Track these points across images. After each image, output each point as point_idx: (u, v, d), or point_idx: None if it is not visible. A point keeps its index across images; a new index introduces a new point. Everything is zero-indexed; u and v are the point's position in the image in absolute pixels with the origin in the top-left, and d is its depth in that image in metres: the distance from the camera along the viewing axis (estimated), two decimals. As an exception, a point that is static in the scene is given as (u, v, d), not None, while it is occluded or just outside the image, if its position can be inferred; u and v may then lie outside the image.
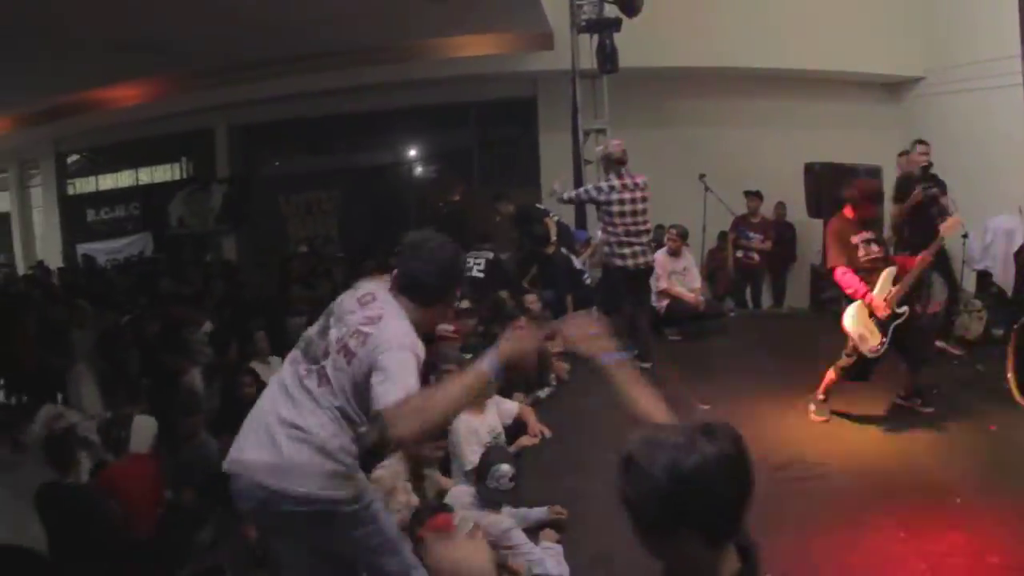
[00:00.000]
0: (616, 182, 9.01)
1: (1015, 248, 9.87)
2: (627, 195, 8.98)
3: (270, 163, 18.33)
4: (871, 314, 7.24)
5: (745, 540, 2.13)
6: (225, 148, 17.29)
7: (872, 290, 7.22)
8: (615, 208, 8.95)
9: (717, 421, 2.08)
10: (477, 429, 6.57)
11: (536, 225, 11.09)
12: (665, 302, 10.98)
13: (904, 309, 7.29)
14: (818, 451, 7.02)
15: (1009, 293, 9.86)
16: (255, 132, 17.55)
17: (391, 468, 5.63)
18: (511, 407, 7.45)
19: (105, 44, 11.61)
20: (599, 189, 9.16)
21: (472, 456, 6.13)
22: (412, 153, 17.41)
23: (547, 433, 7.40)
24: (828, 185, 12.25)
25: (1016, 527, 5.08)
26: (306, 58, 13.54)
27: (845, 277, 7.26)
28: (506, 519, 5.38)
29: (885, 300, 7.19)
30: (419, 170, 17.59)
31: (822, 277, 12.32)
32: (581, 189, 9.66)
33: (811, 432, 7.51)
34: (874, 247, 7.37)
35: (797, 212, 13.45)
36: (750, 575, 2.09)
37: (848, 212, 7.41)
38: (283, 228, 17.32)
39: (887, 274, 7.28)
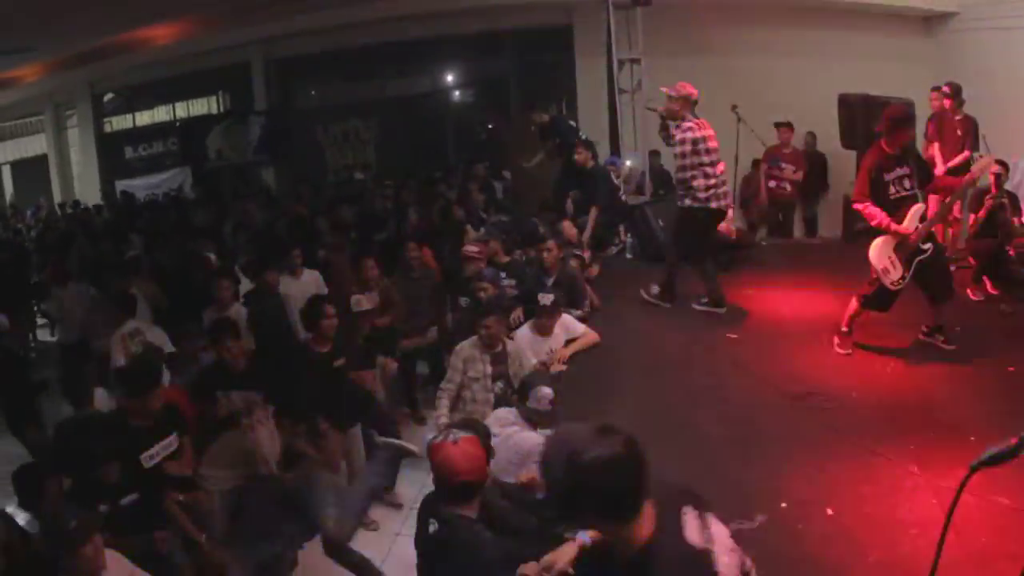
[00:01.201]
0: (693, 123, 8.70)
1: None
2: (709, 133, 8.80)
3: (307, 94, 18.44)
4: (896, 247, 7.37)
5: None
6: (262, 81, 17.41)
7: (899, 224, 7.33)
8: (702, 146, 8.66)
9: (615, 426, 2.49)
10: (539, 349, 7.13)
11: (570, 133, 11.29)
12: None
13: (928, 246, 7.43)
14: (839, 382, 7.19)
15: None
16: (291, 64, 17.63)
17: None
18: (578, 328, 7.91)
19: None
20: (690, 132, 8.68)
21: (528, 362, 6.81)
22: (448, 81, 17.40)
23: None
24: (863, 116, 12.27)
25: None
26: None
27: (869, 209, 7.37)
28: (538, 436, 5.57)
29: (910, 238, 7.31)
30: (456, 98, 17.59)
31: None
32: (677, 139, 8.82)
33: (834, 363, 7.66)
34: (906, 183, 7.41)
35: (828, 143, 13.48)
36: (662, 539, 2.44)
37: (884, 145, 7.41)
38: (321, 157, 17.41)
39: (915, 211, 7.36)
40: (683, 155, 8.63)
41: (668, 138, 8.85)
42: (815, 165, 13.71)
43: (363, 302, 8.73)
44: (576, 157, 10.96)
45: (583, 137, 11.24)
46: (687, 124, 8.59)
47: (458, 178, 14.17)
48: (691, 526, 2.52)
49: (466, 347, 6.89)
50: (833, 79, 12.85)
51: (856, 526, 5.08)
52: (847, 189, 12.75)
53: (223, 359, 6.85)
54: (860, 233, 11.49)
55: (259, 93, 17.53)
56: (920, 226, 7.35)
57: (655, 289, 9.13)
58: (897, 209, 7.37)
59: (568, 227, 10.46)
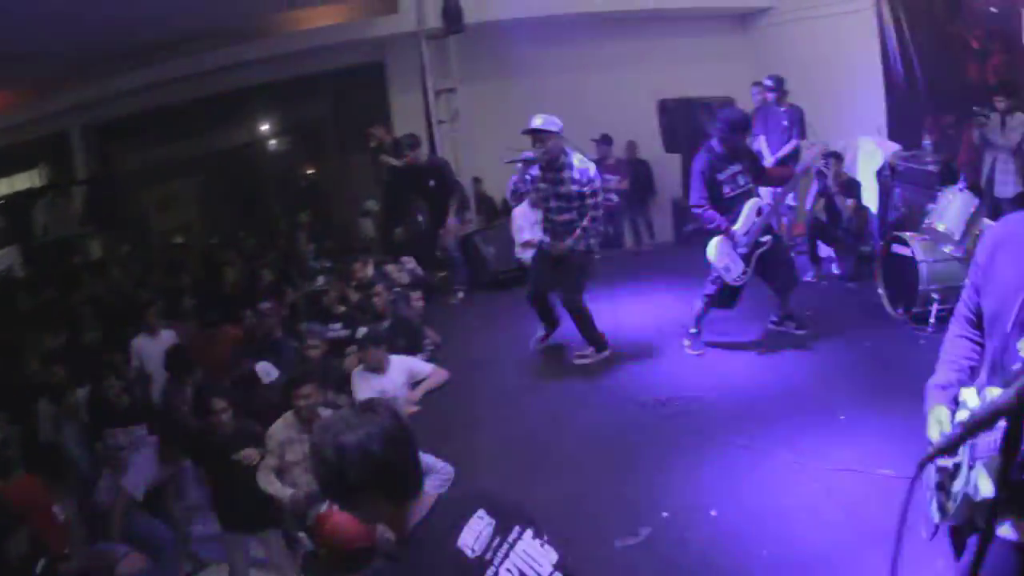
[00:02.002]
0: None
1: (878, 168, 10.03)
2: None
3: (128, 158, 17.63)
4: (733, 245, 7.30)
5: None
6: (81, 148, 16.53)
7: (735, 223, 7.27)
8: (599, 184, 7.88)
9: (376, 401, 2.37)
10: (373, 385, 6.57)
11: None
12: (530, 253, 10.75)
13: (767, 238, 7.38)
14: (696, 384, 7.06)
15: (874, 210, 9.96)
16: (110, 128, 16.76)
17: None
18: (424, 368, 7.53)
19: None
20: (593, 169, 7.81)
21: None
22: (266, 129, 16.96)
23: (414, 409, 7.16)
24: (683, 120, 12.37)
25: (903, 437, 5.03)
26: (151, 48, 12.92)
27: (706, 213, 7.29)
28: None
29: (747, 233, 7.27)
30: (275, 146, 17.16)
31: (684, 210, 12.49)
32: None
33: (688, 366, 7.54)
34: (740, 180, 7.37)
35: (650, 150, 13.47)
36: (427, 532, 2.25)
37: (716, 145, 7.36)
38: (147, 222, 16.70)
39: (751, 206, 7.32)
40: (593, 194, 7.50)
41: (557, 181, 7.53)
42: (639, 173, 13.68)
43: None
44: (408, 155, 10.53)
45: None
46: (580, 158, 7.61)
47: (283, 230, 13.62)
48: (472, 532, 2.25)
49: (280, 428, 5.88)
50: (652, 86, 12.89)
51: (743, 523, 4.88)
52: (674, 193, 12.88)
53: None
54: (692, 234, 11.62)
55: (80, 162, 16.67)
56: (756, 220, 7.30)
57: (590, 349, 8.04)
58: (733, 206, 7.32)
59: (395, 270, 10.08)
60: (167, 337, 8.55)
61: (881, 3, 10.77)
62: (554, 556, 2.34)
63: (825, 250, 9.88)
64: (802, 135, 10.14)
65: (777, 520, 4.84)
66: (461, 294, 10.79)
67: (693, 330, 7.76)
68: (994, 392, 2.56)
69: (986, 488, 2.49)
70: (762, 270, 7.44)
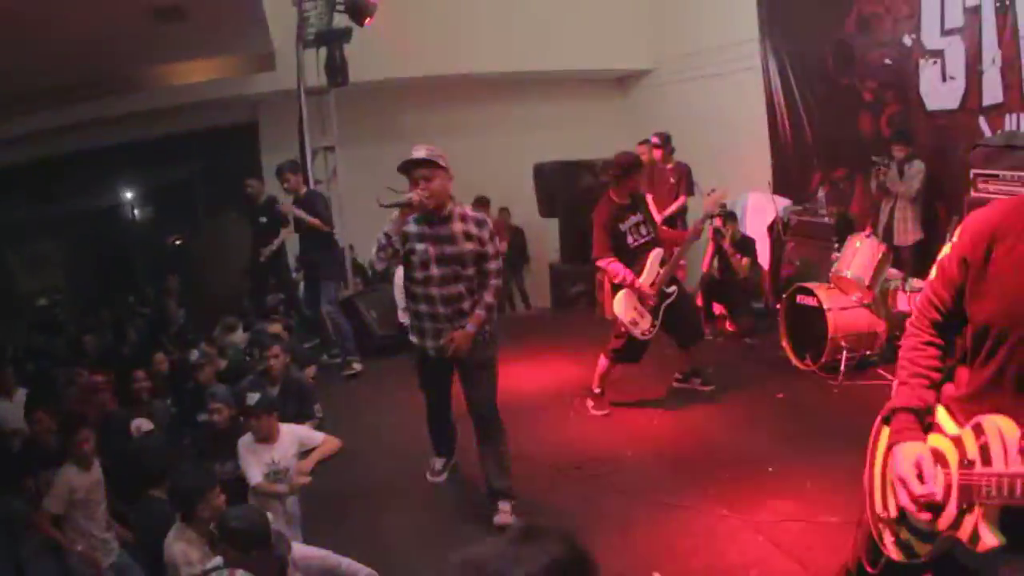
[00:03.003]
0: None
1: (768, 223, 10.09)
2: None
3: None
4: (640, 299, 7.12)
5: None
6: (-58, 204, 15.65)
7: (641, 274, 7.11)
8: None
9: (542, 523, 1.72)
10: (263, 458, 5.92)
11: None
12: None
13: (673, 289, 7.25)
14: (608, 445, 6.77)
15: (766, 267, 10.02)
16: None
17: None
18: (316, 436, 6.72)
19: None
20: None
21: (255, 477, 5.64)
22: (133, 193, 16.32)
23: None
24: (560, 183, 12.31)
25: (838, 484, 4.94)
26: (17, 99, 12.23)
27: (611, 266, 7.10)
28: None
29: (653, 284, 7.10)
30: (142, 207, 16.51)
31: (562, 275, 12.35)
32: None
33: (596, 427, 7.26)
34: (643, 230, 7.24)
35: (524, 214, 13.42)
36: None
37: (614, 195, 7.21)
38: (11, 283, 15.81)
39: (654, 256, 7.18)
40: (495, 255, 5.58)
41: (443, 237, 5.44)
42: (514, 239, 13.57)
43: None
44: (286, 185, 9.74)
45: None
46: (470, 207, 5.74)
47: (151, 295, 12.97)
48: None
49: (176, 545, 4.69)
50: (531, 149, 12.86)
51: (693, 582, 4.59)
52: (551, 257, 12.77)
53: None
54: (574, 298, 11.48)
55: None
56: (661, 271, 7.17)
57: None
58: (638, 257, 7.17)
59: (277, 330, 9.56)
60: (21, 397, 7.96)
61: (768, 60, 10.97)
62: None
63: (718, 308, 9.83)
64: (689, 192, 10.14)
65: (727, 576, 4.58)
66: (358, 365, 9.75)
67: (597, 390, 7.49)
68: (1008, 428, 2.28)
69: (990, 538, 2.28)
70: (667, 323, 7.25)
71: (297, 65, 11.51)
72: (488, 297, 5.54)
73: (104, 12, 9.46)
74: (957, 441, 2.40)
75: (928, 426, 2.53)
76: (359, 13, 10.40)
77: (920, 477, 2.42)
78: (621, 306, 7.13)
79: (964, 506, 2.32)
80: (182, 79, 12.94)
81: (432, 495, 6.29)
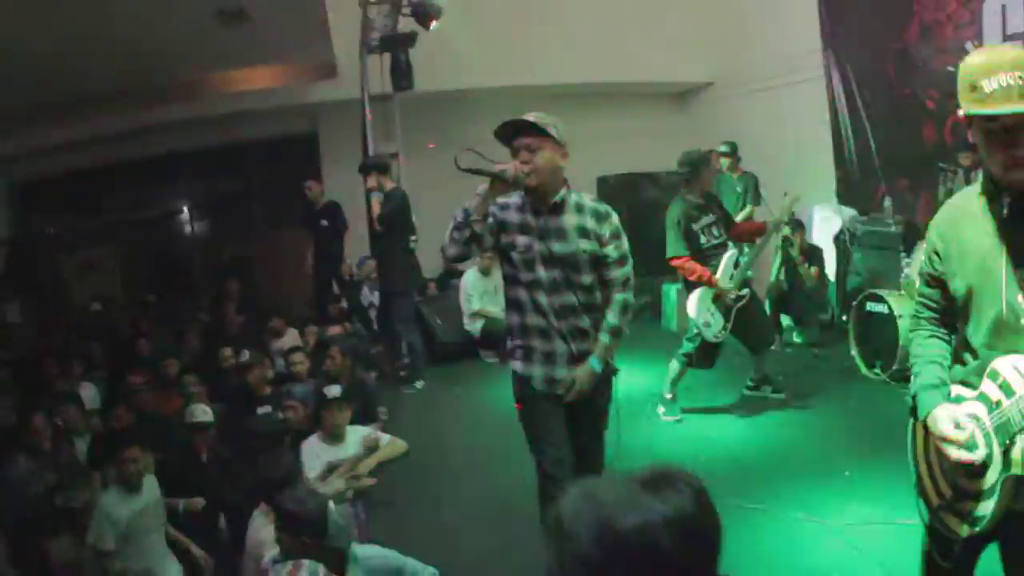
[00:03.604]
0: None
1: (834, 234, 10.04)
2: None
3: (49, 220, 16.97)
4: (715, 299, 7.09)
5: None
6: (3, 207, 15.86)
7: (715, 274, 7.06)
8: None
9: (675, 468, 1.62)
10: (326, 458, 5.93)
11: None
12: (479, 323, 10.44)
13: (746, 291, 7.21)
14: (682, 450, 6.73)
15: (832, 277, 9.99)
16: (32, 188, 16.16)
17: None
18: (382, 438, 6.62)
19: None
20: None
21: (311, 472, 5.70)
22: (191, 201, 16.43)
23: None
24: (623, 196, 12.27)
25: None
26: (77, 104, 12.38)
27: (687, 265, 7.05)
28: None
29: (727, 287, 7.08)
30: (199, 216, 16.63)
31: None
32: None
33: (668, 434, 7.20)
34: (715, 231, 7.20)
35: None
36: None
37: (686, 194, 7.19)
38: (66, 290, 15.98)
39: (728, 258, 7.15)
40: (621, 259, 4.42)
41: (553, 231, 4.24)
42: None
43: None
44: (371, 183, 9.51)
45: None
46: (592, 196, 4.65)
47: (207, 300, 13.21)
48: None
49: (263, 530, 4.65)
50: (593, 162, 12.71)
51: (777, 585, 4.54)
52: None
53: None
54: (637, 310, 11.45)
55: (1, 221, 15.97)
56: (735, 272, 7.13)
57: None
58: (710, 258, 7.13)
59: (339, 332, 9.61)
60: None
61: (831, 72, 10.89)
62: None
63: (786, 319, 9.80)
64: (757, 201, 10.10)
65: (811, 581, 4.51)
66: (420, 383, 9.37)
67: (668, 395, 7.42)
68: (1019, 360, 2.50)
69: None
70: (738, 327, 7.21)
71: (361, 70, 11.55)
72: (613, 317, 4.28)
73: (167, 12, 9.58)
74: (980, 396, 2.61)
75: (948, 397, 2.70)
76: (425, 15, 10.42)
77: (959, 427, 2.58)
78: (695, 306, 7.12)
79: (1008, 443, 2.49)
80: (242, 86, 13.08)
81: (497, 501, 6.19)
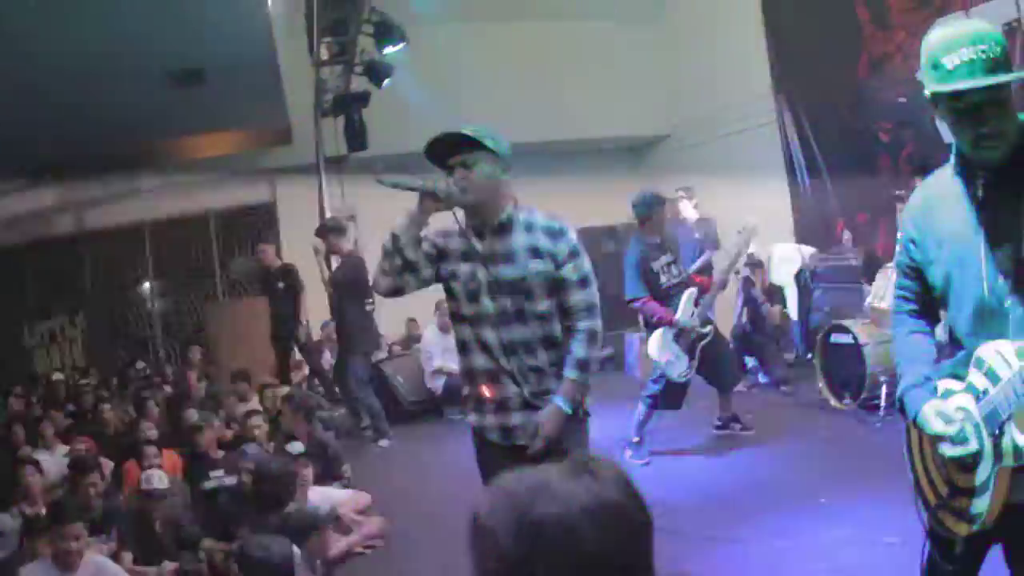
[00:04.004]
0: None
1: (795, 272, 10.09)
2: None
3: (10, 290, 16.82)
4: (676, 337, 7.04)
5: None
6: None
7: (676, 314, 7.03)
8: None
9: (597, 458, 1.51)
10: None
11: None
12: (441, 380, 10.33)
13: (709, 328, 7.18)
14: (657, 488, 6.35)
15: (794, 315, 10.01)
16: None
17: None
18: (342, 495, 6.59)
19: None
20: None
21: None
22: (150, 271, 16.35)
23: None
24: (585, 249, 12.27)
25: (895, 506, 4.68)
26: (42, 172, 12.49)
27: (647, 306, 7.03)
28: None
29: (689, 324, 7.05)
30: (159, 288, 16.53)
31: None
32: None
33: (638, 476, 6.89)
34: (674, 270, 7.22)
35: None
36: None
37: (642, 234, 7.21)
38: (29, 359, 15.79)
39: (688, 296, 7.13)
40: (582, 281, 3.85)
41: (499, 254, 3.72)
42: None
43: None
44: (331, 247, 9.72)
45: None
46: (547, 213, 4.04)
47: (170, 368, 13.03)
48: None
49: None
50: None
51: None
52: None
53: None
54: (601, 362, 11.42)
55: None
56: (696, 309, 7.11)
57: None
58: (671, 297, 7.12)
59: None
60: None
61: (783, 114, 11.05)
62: None
63: (751, 360, 9.80)
64: (716, 246, 10.13)
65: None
66: (386, 442, 9.19)
67: (635, 439, 7.32)
68: (1003, 345, 2.42)
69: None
70: (704, 365, 7.18)
71: (316, 133, 11.63)
72: (579, 350, 3.73)
73: (121, 75, 9.59)
74: (969, 386, 2.54)
75: (935, 393, 2.63)
76: (377, 74, 10.49)
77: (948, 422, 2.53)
78: (656, 346, 7.07)
79: (997, 432, 2.41)
80: (201, 154, 13.15)
81: (462, 558, 6.05)
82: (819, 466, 6.43)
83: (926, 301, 2.77)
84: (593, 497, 1.38)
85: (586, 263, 3.81)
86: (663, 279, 7.12)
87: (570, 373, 3.69)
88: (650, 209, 7.20)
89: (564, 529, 1.35)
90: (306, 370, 11.72)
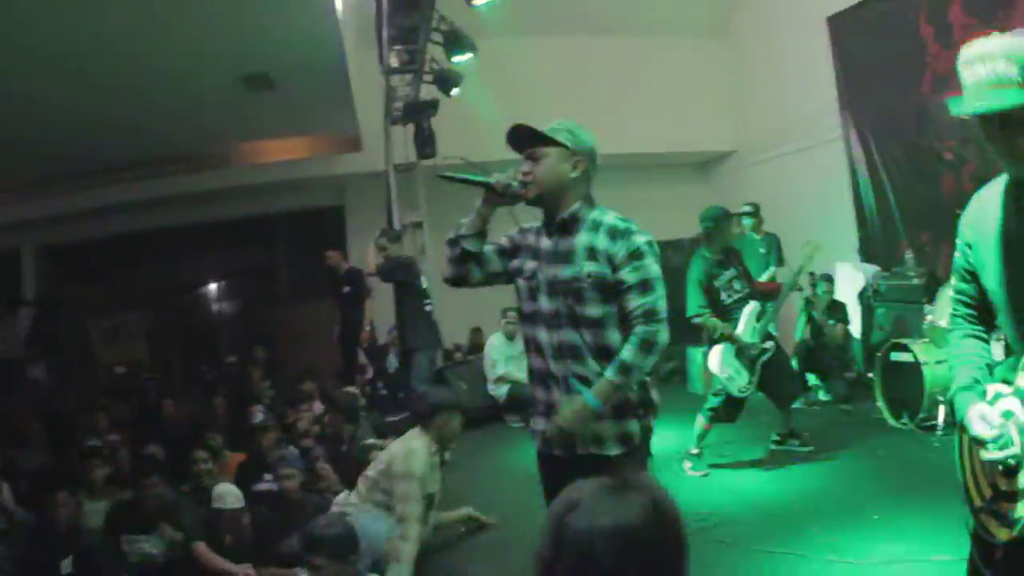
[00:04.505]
0: None
1: (858, 291, 10.08)
2: None
3: (77, 283, 17.23)
4: (738, 353, 7.10)
5: None
6: (32, 268, 16.11)
7: (737, 329, 7.11)
8: None
9: (637, 480, 1.65)
10: None
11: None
12: (504, 387, 10.46)
13: (770, 344, 7.21)
14: (711, 500, 6.66)
15: (856, 333, 10.02)
16: (62, 251, 16.49)
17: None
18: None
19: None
20: None
21: None
22: (217, 272, 16.66)
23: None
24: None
25: (949, 525, 4.73)
26: (111, 171, 12.87)
27: (708, 321, 7.10)
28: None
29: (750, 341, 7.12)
30: (226, 289, 16.83)
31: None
32: None
33: (696, 487, 7.12)
34: (736, 286, 7.27)
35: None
36: None
37: (706, 251, 7.27)
38: (91, 352, 16.11)
39: (749, 312, 7.19)
40: (644, 284, 3.56)
41: (560, 254, 3.61)
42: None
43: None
44: (384, 253, 9.86)
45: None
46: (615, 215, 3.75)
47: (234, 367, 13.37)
48: None
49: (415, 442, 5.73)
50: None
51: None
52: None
53: None
54: (669, 375, 11.47)
55: (28, 282, 16.18)
56: (757, 325, 7.18)
57: None
58: (732, 313, 7.18)
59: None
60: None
61: (849, 132, 11.05)
62: None
63: (812, 378, 9.81)
64: (780, 262, 10.14)
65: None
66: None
67: (695, 450, 7.39)
68: None
69: None
70: (764, 381, 7.22)
71: (386, 141, 11.83)
72: (626, 352, 3.45)
73: (193, 80, 9.82)
74: (1017, 391, 2.56)
75: (983, 396, 2.64)
76: (446, 82, 10.65)
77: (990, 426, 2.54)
78: (717, 362, 7.12)
79: None
80: (271, 158, 13.43)
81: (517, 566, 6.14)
82: (874, 483, 6.45)
83: (981, 305, 2.78)
84: (613, 520, 1.53)
85: (652, 267, 3.51)
86: (724, 295, 7.19)
87: (609, 373, 3.43)
88: (716, 223, 7.27)
89: (582, 545, 1.51)
90: (371, 373, 11.92)
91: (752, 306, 7.24)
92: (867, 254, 10.77)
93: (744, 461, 7.53)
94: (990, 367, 2.73)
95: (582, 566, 1.51)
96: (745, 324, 7.13)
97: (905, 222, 10.38)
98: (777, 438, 7.68)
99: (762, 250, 10.23)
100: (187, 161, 13.00)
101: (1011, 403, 2.55)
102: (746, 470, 7.36)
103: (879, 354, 8.18)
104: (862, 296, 9.94)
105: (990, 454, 2.53)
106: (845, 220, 11.23)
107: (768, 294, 7.89)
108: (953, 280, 2.89)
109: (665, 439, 8.09)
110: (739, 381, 7.10)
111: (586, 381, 3.48)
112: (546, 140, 3.58)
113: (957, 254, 2.81)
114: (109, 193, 13.57)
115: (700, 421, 7.38)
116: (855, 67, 11.05)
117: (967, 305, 2.82)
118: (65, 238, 15.64)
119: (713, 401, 7.31)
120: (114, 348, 16.15)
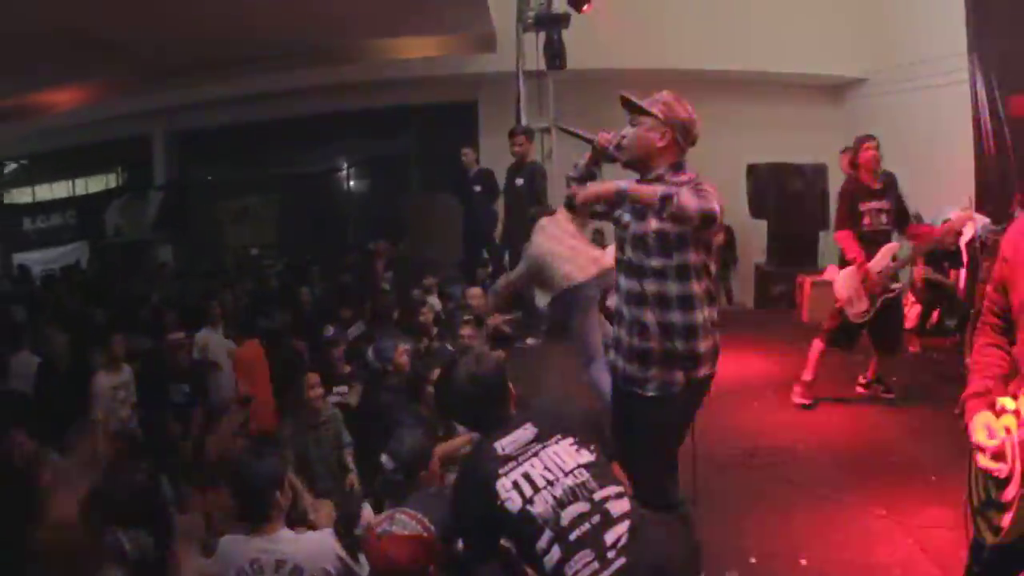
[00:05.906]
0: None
1: (966, 240, 9.98)
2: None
3: (206, 169, 17.95)
4: (863, 281, 7.17)
5: None
6: (162, 154, 16.88)
7: (870, 260, 7.17)
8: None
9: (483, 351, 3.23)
10: None
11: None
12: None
13: (897, 286, 7.31)
14: (784, 438, 6.96)
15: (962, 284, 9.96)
16: (191, 138, 17.18)
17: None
18: None
19: (47, 41, 10.83)
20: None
21: None
22: (349, 159, 17.09)
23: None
24: (772, 185, 12.34)
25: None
26: (243, 61, 13.12)
27: (845, 241, 7.23)
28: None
29: (879, 274, 7.14)
30: (357, 176, 17.28)
31: (766, 276, 12.40)
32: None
33: (774, 421, 7.43)
34: (883, 218, 7.28)
35: (733, 214, 13.38)
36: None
37: (862, 176, 7.34)
38: (220, 234, 16.85)
39: (886, 249, 7.24)
40: (705, 246, 3.97)
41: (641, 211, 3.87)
42: (724, 237, 13.62)
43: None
44: (516, 149, 10.26)
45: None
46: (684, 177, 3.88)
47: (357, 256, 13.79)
48: (511, 438, 3.07)
49: None
50: (743, 149, 12.88)
51: (834, 573, 4.80)
52: (757, 258, 12.81)
53: None
54: (777, 298, 11.54)
55: (159, 167, 16.98)
56: (891, 264, 7.22)
57: None
58: (870, 243, 7.23)
59: (475, 295, 9.68)
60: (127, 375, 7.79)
61: (975, 75, 10.83)
62: (585, 457, 3.02)
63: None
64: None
65: (870, 572, 4.77)
66: (532, 340, 9.82)
67: (808, 377, 7.56)
68: None
69: None
70: (876, 323, 7.30)
71: (517, 47, 12.02)
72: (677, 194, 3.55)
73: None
74: (1016, 412, 2.70)
75: (991, 406, 2.79)
76: (578, 1, 10.80)
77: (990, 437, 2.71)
78: (842, 282, 7.26)
79: None
80: (403, 54, 13.73)
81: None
82: (943, 443, 6.34)
83: (1009, 318, 2.89)
84: (477, 367, 3.32)
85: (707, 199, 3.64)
86: (866, 220, 7.23)
87: (655, 341, 3.87)
88: (855, 153, 7.37)
89: (454, 383, 3.31)
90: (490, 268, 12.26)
91: (893, 244, 7.31)
92: (981, 204, 10.59)
93: (826, 400, 7.69)
94: (1005, 379, 2.87)
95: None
96: (879, 258, 7.17)
97: (1022, 176, 10.20)
98: (864, 382, 7.79)
99: (877, 186, 10.20)
100: (322, 54, 13.33)
101: (1013, 420, 2.69)
102: (827, 409, 7.57)
103: (972, 311, 8.13)
104: (970, 247, 9.85)
105: (985, 464, 2.72)
106: (964, 165, 11.07)
107: (917, 238, 7.84)
108: (989, 288, 3.04)
109: (761, 368, 8.46)
110: (858, 306, 7.19)
111: (642, 327, 3.88)
112: (640, 111, 3.91)
113: (998, 264, 2.94)
114: (241, 83, 14.04)
115: (816, 344, 7.51)
116: (988, 9, 10.75)
117: (996, 315, 2.96)
118: (194, 126, 16.19)
119: (830, 323, 7.45)
120: (240, 230, 16.79)
